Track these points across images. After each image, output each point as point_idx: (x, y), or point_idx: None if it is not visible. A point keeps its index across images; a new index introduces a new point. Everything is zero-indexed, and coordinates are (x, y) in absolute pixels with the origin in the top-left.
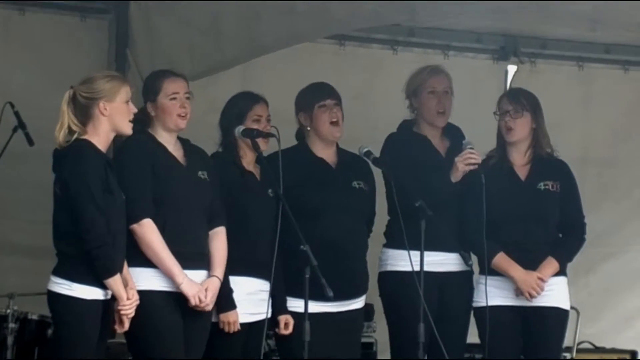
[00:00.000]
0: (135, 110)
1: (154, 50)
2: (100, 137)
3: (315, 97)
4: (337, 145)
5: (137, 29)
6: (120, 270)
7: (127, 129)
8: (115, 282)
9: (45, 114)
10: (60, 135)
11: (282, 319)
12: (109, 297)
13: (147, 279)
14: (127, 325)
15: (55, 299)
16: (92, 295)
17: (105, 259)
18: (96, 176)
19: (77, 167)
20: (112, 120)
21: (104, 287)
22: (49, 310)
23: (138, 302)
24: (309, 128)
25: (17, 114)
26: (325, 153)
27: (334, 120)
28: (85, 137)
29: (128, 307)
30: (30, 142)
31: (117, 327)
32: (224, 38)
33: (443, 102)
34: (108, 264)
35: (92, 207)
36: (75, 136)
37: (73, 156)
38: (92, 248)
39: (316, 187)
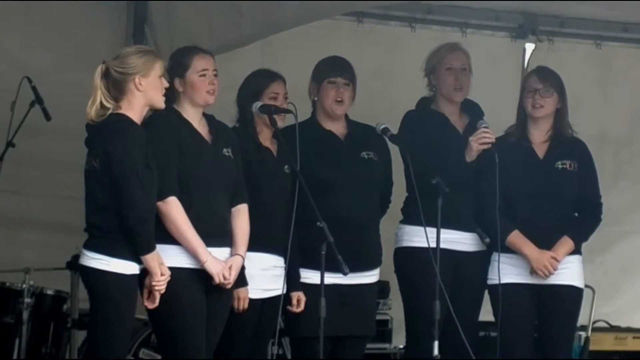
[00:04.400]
0: (167, 84)
1: (172, 28)
2: (136, 111)
3: (328, 71)
4: (347, 117)
5: (155, 6)
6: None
7: (161, 103)
8: (152, 258)
9: (63, 90)
10: (93, 110)
11: (295, 295)
12: (139, 272)
13: (171, 256)
14: (157, 301)
15: (94, 274)
16: (131, 270)
17: (147, 235)
18: (140, 151)
19: (121, 142)
20: (146, 95)
21: (139, 261)
22: (67, 285)
23: (170, 277)
24: (315, 99)
25: (34, 88)
26: (334, 126)
27: (339, 99)
28: (121, 111)
29: (162, 282)
30: (48, 117)
31: (147, 303)
32: (242, 14)
33: (460, 78)
34: (149, 241)
35: (137, 183)
36: (109, 111)
37: (115, 131)
38: (136, 225)
39: (325, 160)
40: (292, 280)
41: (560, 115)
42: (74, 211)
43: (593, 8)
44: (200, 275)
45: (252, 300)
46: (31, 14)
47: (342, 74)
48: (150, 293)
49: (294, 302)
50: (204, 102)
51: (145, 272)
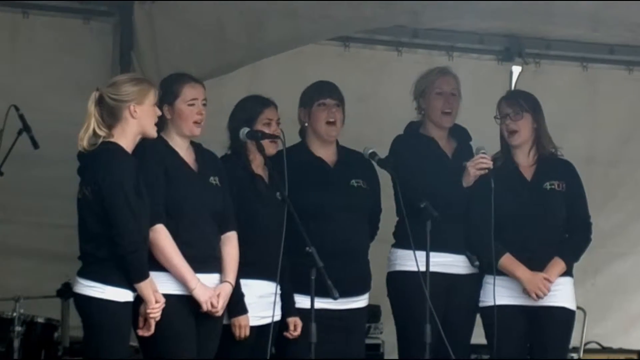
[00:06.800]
0: (159, 113)
1: (158, 53)
2: (128, 139)
3: (316, 94)
4: (337, 142)
5: (141, 32)
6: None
7: (153, 131)
8: (146, 286)
9: (51, 118)
10: (85, 138)
11: (292, 321)
12: (133, 299)
13: (160, 283)
14: (153, 328)
15: (87, 302)
16: (125, 297)
17: (139, 263)
18: (130, 180)
19: (112, 171)
20: (140, 123)
21: (133, 289)
22: (58, 313)
23: (164, 304)
24: (306, 124)
25: (21, 117)
26: (324, 152)
27: (331, 120)
28: (112, 139)
29: (157, 310)
30: (35, 145)
31: (141, 331)
32: (227, 41)
33: (450, 103)
34: (141, 269)
35: (128, 212)
36: (101, 139)
37: (106, 159)
38: (127, 253)
39: (314, 187)
40: (287, 306)
41: (538, 134)
42: (63, 239)
43: (578, 30)
44: (190, 301)
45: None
46: (17, 41)
47: (331, 95)
48: (146, 321)
49: (291, 327)
50: (190, 132)
51: (139, 300)
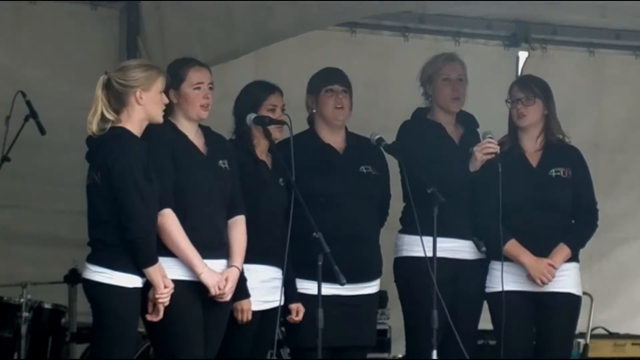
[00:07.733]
0: (167, 101)
1: (165, 39)
2: (135, 124)
3: (323, 81)
4: (346, 129)
5: (148, 18)
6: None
7: (160, 118)
8: (155, 271)
9: (57, 104)
10: (94, 122)
11: (294, 307)
12: (142, 285)
13: (167, 269)
14: (162, 313)
15: (96, 287)
16: (133, 283)
17: (148, 248)
18: (140, 165)
19: (121, 156)
20: (146, 109)
21: (142, 275)
22: (65, 299)
23: (173, 290)
24: (314, 111)
25: (28, 103)
26: (333, 138)
27: (339, 106)
28: (121, 125)
29: (166, 295)
30: (42, 131)
31: (150, 316)
32: (234, 26)
33: (457, 89)
34: (150, 254)
35: (137, 196)
36: (110, 124)
37: (115, 145)
38: (136, 238)
39: (323, 174)
40: (290, 292)
41: (548, 121)
42: (71, 225)
43: (585, 15)
44: (197, 287)
45: (252, 312)
46: (23, 27)
47: (339, 81)
48: (154, 306)
49: (293, 313)
50: (197, 116)
51: (148, 285)
